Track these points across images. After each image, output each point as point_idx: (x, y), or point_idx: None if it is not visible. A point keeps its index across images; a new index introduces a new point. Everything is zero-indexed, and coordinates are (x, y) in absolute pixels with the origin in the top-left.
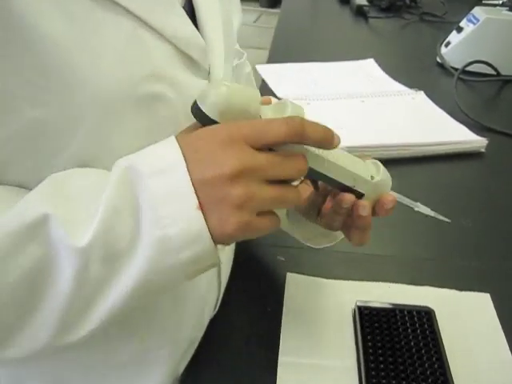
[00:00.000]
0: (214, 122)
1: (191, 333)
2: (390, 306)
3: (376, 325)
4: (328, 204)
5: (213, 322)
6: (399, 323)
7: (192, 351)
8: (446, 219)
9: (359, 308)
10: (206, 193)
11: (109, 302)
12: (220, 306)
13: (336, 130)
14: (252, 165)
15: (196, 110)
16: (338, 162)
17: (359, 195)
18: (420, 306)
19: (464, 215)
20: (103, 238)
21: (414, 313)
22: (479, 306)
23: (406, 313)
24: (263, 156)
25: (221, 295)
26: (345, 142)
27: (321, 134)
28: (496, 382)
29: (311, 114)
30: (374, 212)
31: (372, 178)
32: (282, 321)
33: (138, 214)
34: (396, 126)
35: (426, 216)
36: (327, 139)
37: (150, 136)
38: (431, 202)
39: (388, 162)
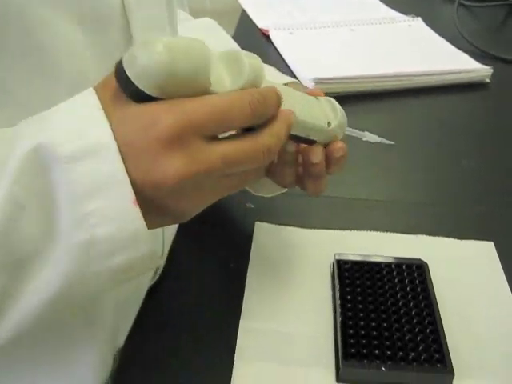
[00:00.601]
0: (147, 97)
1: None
2: (376, 260)
3: (358, 282)
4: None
5: (163, 282)
6: (385, 279)
7: (130, 322)
8: (392, 142)
9: (338, 262)
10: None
11: (17, 314)
12: (171, 264)
13: (321, 62)
14: (206, 168)
15: (121, 77)
16: (298, 113)
17: (311, 142)
18: (411, 259)
19: (466, 155)
20: (1, 241)
21: (404, 267)
22: (481, 255)
23: (393, 267)
24: (218, 154)
25: (165, 254)
26: (335, 72)
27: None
28: (497, 337)
29: (295, 45)
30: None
31: (329, 124)
32: (247, 279)
33: (51, 209)
34: (390, 54)
35: (372, 143)
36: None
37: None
38: (429, 139)
39: (382, 96)
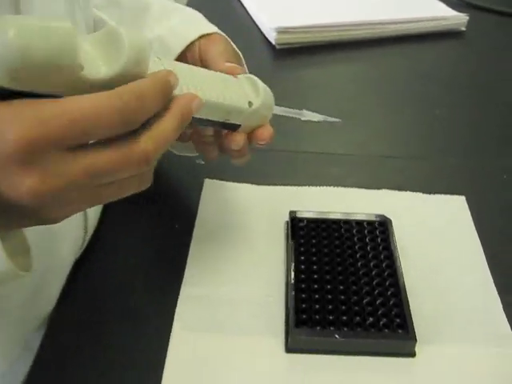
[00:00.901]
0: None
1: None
2: (334, 217)
3: (314, 241)
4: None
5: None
6: (344, 238)
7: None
8: (337, 119)
9: (292, 220)
10: None
11: None
12: (109, 225)
13: (285, 10)
14: (67, 182)
15: None
16: (208, 96)
17: (234, 127)
18: (373, 215)
19: (440, 105)
20: None
21: (365, 224)
22: (452, 211)
23: (353, 224)
24: (81, 167)
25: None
26: (300, 21)
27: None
28: (465, 298)
29: None
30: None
31: (250, 104)
32: (192, 241)
33: None
34: (361, 2)
35: (318, 122)
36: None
37: None
38: (401, 88)
39: (352, 45)
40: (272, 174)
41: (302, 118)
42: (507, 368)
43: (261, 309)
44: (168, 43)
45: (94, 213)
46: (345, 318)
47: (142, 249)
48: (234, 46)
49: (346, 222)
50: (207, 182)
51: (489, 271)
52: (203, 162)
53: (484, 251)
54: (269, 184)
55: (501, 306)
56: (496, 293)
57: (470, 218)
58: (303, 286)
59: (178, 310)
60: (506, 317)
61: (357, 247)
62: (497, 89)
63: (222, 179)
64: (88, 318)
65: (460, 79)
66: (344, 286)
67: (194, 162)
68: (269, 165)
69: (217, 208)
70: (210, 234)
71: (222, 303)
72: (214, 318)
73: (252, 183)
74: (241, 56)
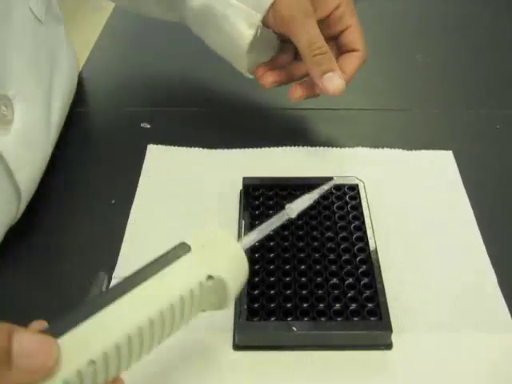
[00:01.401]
0: None
1: None
2: (295, 182)
3: (271, 212)
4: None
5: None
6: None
7: None
8: None
9: (246, 188)
10: None
11: None
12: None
13: None
14: None
15: None
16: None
17: None
18: (342, 178)
19: (421, 49)
20: None
21: (332, 189)
22: (438, 168)
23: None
24: None
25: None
26: None
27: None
28: (455, 271)
29: None
30: None
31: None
32: (129, 217)
33: None
34: None
35: None
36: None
37: None
38: (378, 33)
39: None
40: (227, 136)
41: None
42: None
43: None
44: None
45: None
46: (305, 305)
47: (76, 229)
48: None
49: (310, 187)
50: (151, 148)
51: (482, 242)
52: (148, 126)
53: (475, 214)
54: (223, 147)
55: (496, 283)
56: (490, 265)
57: (459, 175)
58: (256, 267)
59: None
60: (503, 295)
61: (321, 218)
62: (486, 31)
63: (168, 144)
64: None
65: (444, 19)
66: (305, 266)
67: (137, 127)
68: (224, 126)
69: (161, 177)
70: (151, 209)
71: None
72: None
73: (204, 147)
74: None
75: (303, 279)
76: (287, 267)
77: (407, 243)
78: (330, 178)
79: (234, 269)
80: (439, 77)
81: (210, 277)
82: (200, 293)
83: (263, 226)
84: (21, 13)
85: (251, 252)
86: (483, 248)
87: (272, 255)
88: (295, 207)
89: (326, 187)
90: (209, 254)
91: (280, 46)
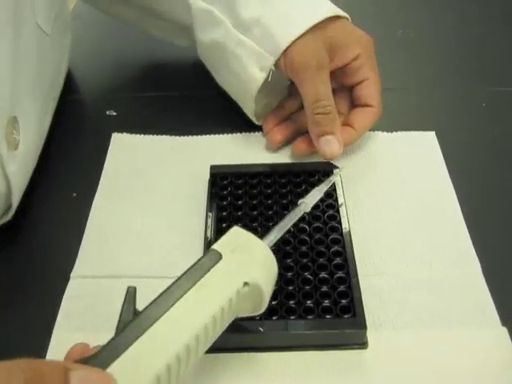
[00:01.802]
0: None
1: None
2: (266, 169)
3: (240, 202)
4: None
5: None
6: (277, 196)
7: None
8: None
9: (214, 177)
10: None
11: None
12: None
13: None
14: None
15: None
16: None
17: None
18: (317, 164)
19: (402, 24)
20: None
21: (304, 176)
22: (419, 150)
23: (291, 178)
24: None
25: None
26: None
27: None
28: (438, 261)
29: None
30: None
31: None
32: (91, 211)
33: None
34: None
35: None
36: None
37: None
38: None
39: None
40: (196, 122)
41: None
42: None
43: None
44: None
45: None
46: (274, 303)
47: (35, 224)
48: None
49: (282, 175)
50: (115, 137)
51: (467, 231)
52: (114, 113)
53: (458, 199)
54: (192, 133)
55: (481, 274)
56: (475, 256)
57: (442, 157)
58: None
59: (65, 296)
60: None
61: (293, 207)
62: (472, 4)
63: (135, 132)
64: None
65: None
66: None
67: (102, 114)
68: (194, 110)
69: (125, 168)
70: (114, 201)
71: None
72: (109, 307)
73: (173, 133)
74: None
75: None
76: None
77: (386, 233)
78: (307, 164)
79: (266, 271)
80: (422, 53)
81: (246, 283)
82: (237, 300)
83: (282, 223)
84: (28, 29)
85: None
86: (468, 237)
87: None
88: (309, 201)
89: (333, 178)
90: (240, 260)
91: (289, 88)
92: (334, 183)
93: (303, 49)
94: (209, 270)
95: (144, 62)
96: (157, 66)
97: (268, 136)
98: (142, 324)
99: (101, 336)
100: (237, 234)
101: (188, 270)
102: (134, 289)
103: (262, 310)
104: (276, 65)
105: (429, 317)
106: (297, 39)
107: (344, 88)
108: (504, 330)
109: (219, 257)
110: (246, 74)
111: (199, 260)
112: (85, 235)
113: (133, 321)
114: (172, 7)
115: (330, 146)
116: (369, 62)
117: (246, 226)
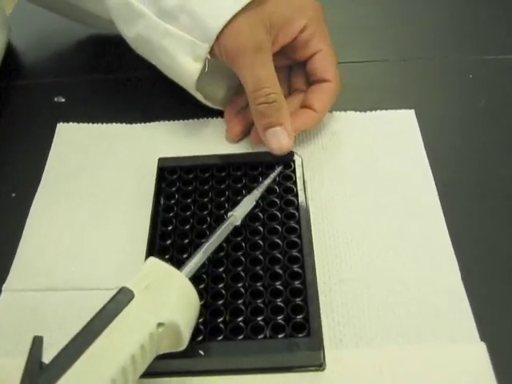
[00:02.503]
0: None
1: None
2: (219, 161)
3: (188, 200)
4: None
5: None
6: (231, 192)
7: None
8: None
9: (162, 171)
10: None
11: None
12: None
13: None
14: None
15: None
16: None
17: None
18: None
19: None
20: None
21: (261, 169)
22: (396, 130)
23: (247, 171)
24: None
25: None
26: None
27: None
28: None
29: None
30: None
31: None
32: (29, 213)
33: None
34: None
35: None
36: None
37: None
38: None
39: None
40: (152, 106)
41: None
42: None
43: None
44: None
45: None
46: (216, 320)
47: None
48: None
49: (237, 167)
50: (61, 128)
51: (447, 232)
52: (63, 100)
53: (439, 187)
54: (146, 120)
55: (460, 279)
56: (454, 259)
57: (421, 141)
58: None
59: None
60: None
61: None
62: None
63: (84, 121)
64: None
65: None
66: (221, 270)
67: (49, 100)
68: (149, 94)
69: (70, 162)
70: (56, 203)
71: (61, 300)
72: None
73: (126, 120)
74: None
75: (218, 286)
76: (203, 273)
77: (355, 230)
78: (265, 154)
79: (183, 307)
80: (399, 18)
81: (160, 324)
82: (151, 343)
83: (207, 245)
84: None
85: (164, 249)
86: (447, 237)
87: (186, 256)
88: (239, 214)
89: (267, 181)
90: (154, 297)
91: None
92: (294, 174)
93: (237, 32)
94: (118, 313)
95: (95, 42)
96: (109, 47)
97: (227, 127)
98: (48, 377)
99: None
100: (152, 267)
101: (98, 312)
102: (41, 339)
103: (184, 346)
104: (211, 53)
105: (398, 332)
106: (229, 22)
107: (299, 64)
108: (482, 346)
109: (131, 296)
110: (178, 66)
111: (110, 301)
112: (21, 242)
113: (38, 375)
114: (92, 4)
115: (277, 138)
116: (318, 33)
117: (192, 230)
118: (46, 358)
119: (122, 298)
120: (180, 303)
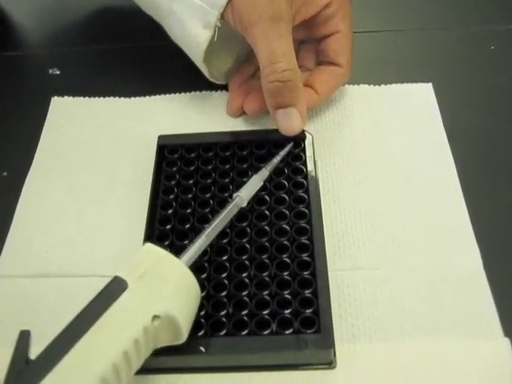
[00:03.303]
0: None
1: None
2: (223, 139)
3: (190, 182)
4: None
5: None
6: (235, 174)
7: None
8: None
9: (161, 150)
10: None
11: None
12: None
13: None
14: None
15: None
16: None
17: None
18: (269, 132)
19: None
20: None
21: (269, 148)
22: (413, 105)
23: (253, 149)
24: None
25: None
26: None
27: None
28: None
29: None
30: None
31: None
32: (22, 193)
33: None
34: None
35: None
36: None
37: None
38: None
39: None
40: (152, 78)
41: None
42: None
43: None
44: None
45: None
46: (219, 314)
47: None
48: None
49: (243, 146)
50: (55, 102)
51: (469, 221)
52: (58, 72)
53: (458, 172)
54: (147, 93)
55: (483, 273)
56: (477, 250)
57: (439, 117)
58: None
59: None
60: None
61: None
62: None
63: (81, 95)
64: None
65: None
66: (225, 258)
67: (44, 72)
68: (149, 66)
69: (64, 139)
70: (49, 182)
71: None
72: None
73: (124, 93)
74: None
75: (220, 276)
76: (205, 260)
77: (368, 215)
78: (273, 132)
79: (181, 297)
80: None
81: (155, 316)
82: (146, 337)
83: (209, 230)
84: None
85: (163, 235)
86: (469, 226)
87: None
88: (245, 195)
89: (276, 160)
90: (149, 287)
91: None
92: (304, 154)
93: None
94: (110, 305)
95: (92, 11)
96: (107, 16)
97: (228, 99)
98: (34, 374)
99: None
100: (148, 254)
101: (89, 304)
102: (28, 333)
103: (183, 339)
104: (224, 19)
105: (414, 325)
106: None
107: (312, 40)
108: (506, 342)
109: (125, 286)
110: (187, 34)
111: (102, 291)
112: (12, 225)
113: (24, 371)
114: None
115: (288, 120)
116: (341, 11)
117: (193, 214)
118: (37, 349)
119: (114, 289)
120: (178, 293)
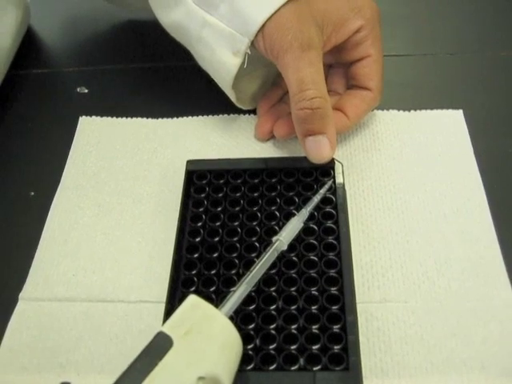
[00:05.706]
0: None
1: None
2: (254, 166)
3: (219, 209)
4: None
5: None
6: (263, 202)
7: None
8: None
9: (189, 175)
10: None
11: None
12: None
13: None
14: None
15: None
16: None
17: None
18: (299, 160)
19: None
20: None
21: (298, 175)
22: (443, 131)
23: (282, 177)
24: None
25: None
26: None
27: None
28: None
29: None
30: None
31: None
32: (49, 214)
33: None
34: None
35: None
36: None
37: None
38: None
39: None
40: (180, 99)
41: None
42: None
43: (137, 319)
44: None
45: None
46: (246, 347)
47: None
48: None
49: (271, 173)
50: (83, 121)
51: (500, 251)
52: (86, 90)
53: (489, 201)
54: (175, 114)
55: None
56: (509, 284)
57: (470, 145)
58: (195, 279)
59: (5, 339)
60: None
61: (282, 217)
62: None
63: (110, 114)
64: None
65: None
66: (253, 289)
67: (71, 91)
68: (177, 86)
69: (92, 159)
70: (76, 203)
71: (81, 311)
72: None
73: (152, 114)
74: None
75: (248, 308)
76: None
77: (397, 248)
78: (302, 159)
79: (226, 355)
80: (447, 9)
81: (200, 378)
82: None
83: (249, 277)
84: None
85: (189, 266)
86: (500, 258)
87: (214, 271)
88: (285, 238)
89: (316, 199)
90: (195, 346)
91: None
92: (334, 184)
93: (284, 25)
94: (156, 365)
95: (120, 30)
96: (136, 35)
97: (257, 124)
98: None
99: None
100: (193, 308)
101: (133, 362)
102: None
103: None
104: (254, 46)
105: (445, 361)
106: (276, 13)
107: (341, 64)
108: None
109: (169, 344)
110: (216, 60)
111: (146, 348)
112: (38, 248)
113: None
114: None
115: (318, 148)
116: (372, 36)
117: (221, 243)
118: (61, 372)
119: (159, 346)
120: (223, 353)
